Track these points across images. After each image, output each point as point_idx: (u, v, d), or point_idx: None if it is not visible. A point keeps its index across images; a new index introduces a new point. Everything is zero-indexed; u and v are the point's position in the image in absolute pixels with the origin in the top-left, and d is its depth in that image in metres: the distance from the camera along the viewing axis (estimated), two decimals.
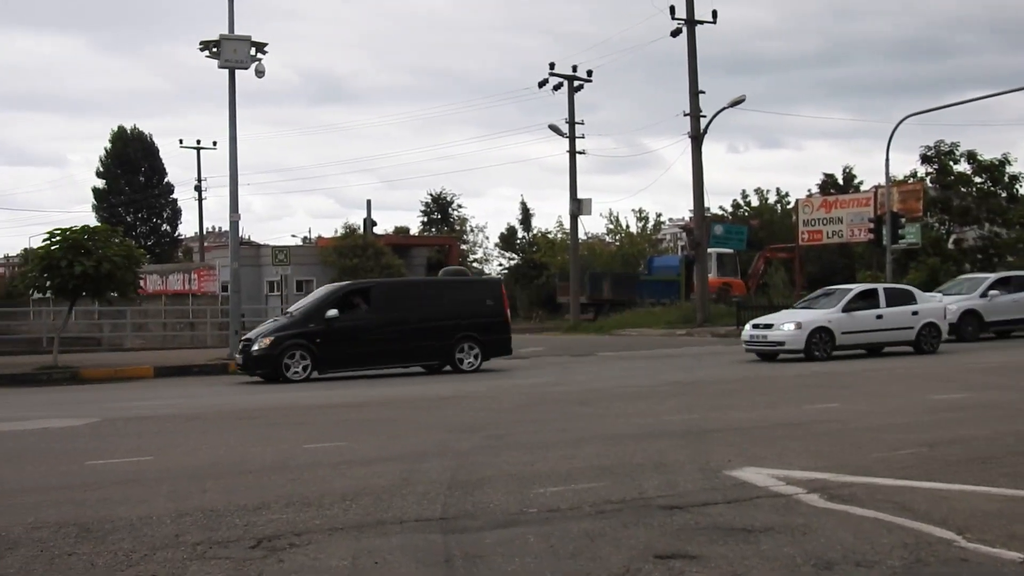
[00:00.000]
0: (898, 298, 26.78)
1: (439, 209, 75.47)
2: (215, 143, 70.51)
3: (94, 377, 25.64)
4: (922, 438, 12.00)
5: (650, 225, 69.18)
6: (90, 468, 11.36)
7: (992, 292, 31.45)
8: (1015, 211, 47.00)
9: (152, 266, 65.09)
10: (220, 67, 29.20)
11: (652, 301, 49.60)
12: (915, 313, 26.48)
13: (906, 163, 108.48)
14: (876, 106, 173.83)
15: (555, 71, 48.02)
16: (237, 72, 29.58)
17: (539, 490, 9.33)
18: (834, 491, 9.01)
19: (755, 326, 26.50)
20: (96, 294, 27.91)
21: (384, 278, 29.52)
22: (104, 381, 25.28)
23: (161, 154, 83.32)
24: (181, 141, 73.14)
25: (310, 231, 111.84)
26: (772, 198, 68.33)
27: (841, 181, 60.91)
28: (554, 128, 48.48)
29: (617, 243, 67.62)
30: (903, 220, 41.14)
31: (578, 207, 49.02)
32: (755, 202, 68.35)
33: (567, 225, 54.96)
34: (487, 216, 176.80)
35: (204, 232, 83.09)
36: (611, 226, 68.63)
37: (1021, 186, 48.31)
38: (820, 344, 25.19)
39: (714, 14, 40.63)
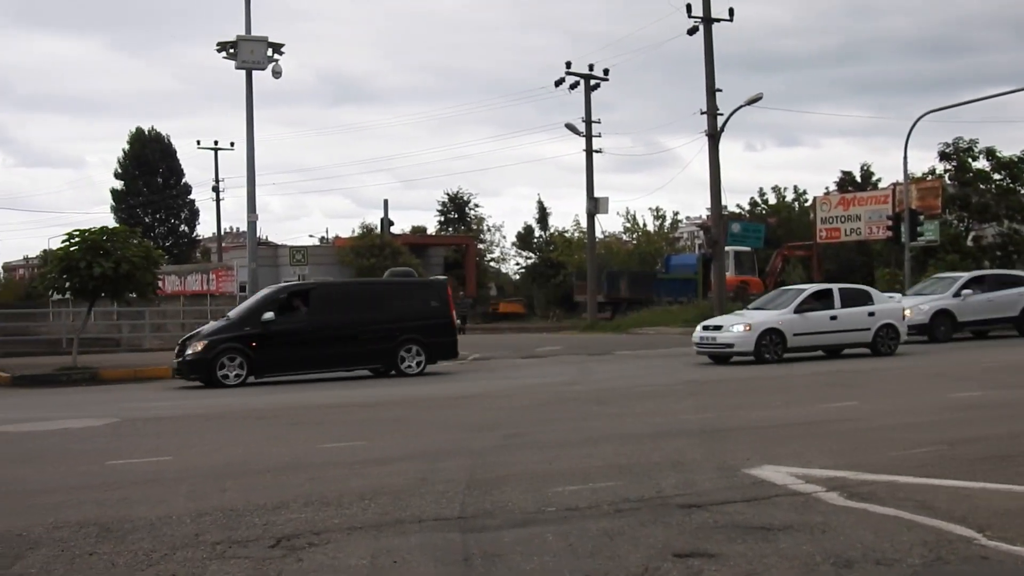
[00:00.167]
0: (854, 299, 26.09)
1: (456, 208, 75.48)
2: (232, 144, 70.68)
3: (113, 378, 25.73)
4: (940, 436, 11.95)
5: (667, 223, 69.00)
6: (110, 468, 11.41)
7: (965, 291, 30.55)
8: None
9: (170, 267, 65.31)
10: (237, 68, 29.32)
11: (669, 300, 49.48)
12: (872, 314, 25.65)
13: (924, 160, 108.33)
14: (894, 104, 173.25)
15: (571, 70, 47.97)
16: (254, 73, 29.72)
17: (557, 489, 9.33)
18: (853, 489, 8.99)
19: (705, 327, 25.75)
20: (115, 295, 28.00)
21: (325, 279, 28.51)
22: (123, 382, 25.36)
23: (179, 155, 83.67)
24: (199, 142, 73.31)
25: (327, 231, 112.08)
26: (790, 196, 68.10)
27: (859, 179, 60.67)
28: (571, 127, 48.43)
29: (634, 242, 67.46)
30: (921, 217, 40.95)
31: (595, 206, 48.95)
32: (772, 200, 68.11)
33: (584, 224, 54.90)
34: (504, 215, 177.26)
35: (222, 233, 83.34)
36: (628, 225, 68.48)
37: None
38: (770, 346, 24.40)
39: (731, 12, 40.51)
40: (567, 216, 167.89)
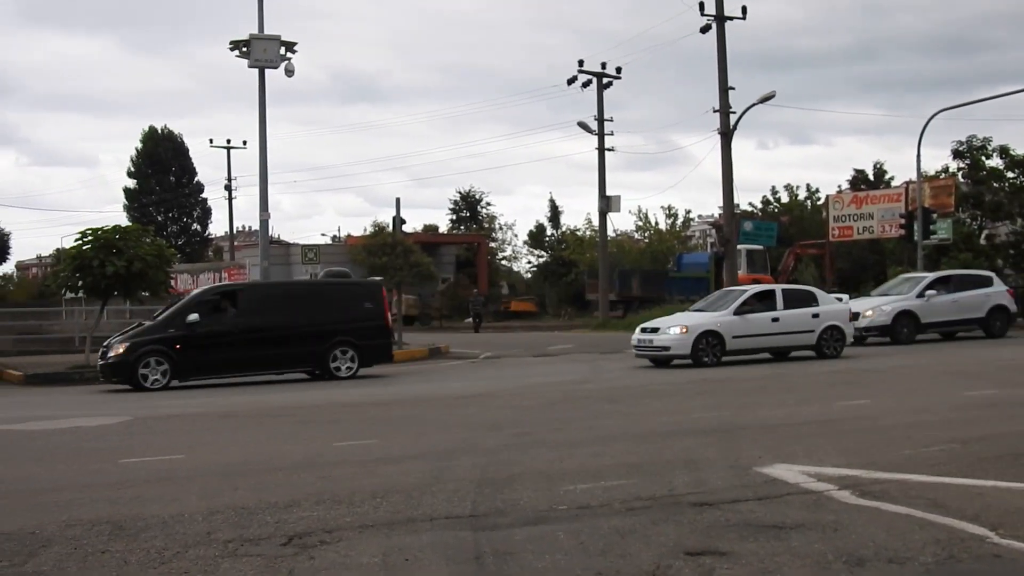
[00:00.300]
0: (798, 300, 25.46)
1: (468, 207, 75.48)
2: (245, 142, 70.83)
3: None
4: (952, 434, 11.92)
5: (679, 222, 68.85)
6: (122, 466, 11.44)
7: (929, 292, 30.13)
8: None
9: (183, 265, 65.51)
10: (250, 66, 29.38)
11: (681, 298, 49.31)
12: (816, 316, 25.01)
13: (938, 159, 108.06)
14: (907, 102, 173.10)
15: (584, 68, 47.93)
16: (267, 71, 29.77)
17: (568, 487, 9.33)
18: (865, 488, 8.97)
19: (643, 329, 25.02)
20: (127, 294, 28.07)
21: (257, 280, 27.80)
22: None
23: (191, 154, 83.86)
24: (211, 141, 73.52)
25: (339, 229, 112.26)
26: (802, 194, 67.92)
27: (872, 177, 60.49)
28: (583, 125, 48.39)
29: (646, 240, 67.35)
30: (934, 215, 40.84)
31: (607, 204, 48.91)
32: (785, 198, 67.96)
33: (596, 222, 54.83)
34: (516, 214, 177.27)
35: (234, 231, 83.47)
36: (640, 223, 68.37)
37: None
38: (708, 349, 23.77)
39: (744, 10, 40.43)
40: (579, 214, 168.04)
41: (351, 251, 58.19)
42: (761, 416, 14.25)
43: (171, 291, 33.16)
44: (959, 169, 48.31)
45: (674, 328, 24.22)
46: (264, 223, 31.07)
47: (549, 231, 74.22)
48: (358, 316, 24.38)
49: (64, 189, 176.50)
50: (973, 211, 47.68)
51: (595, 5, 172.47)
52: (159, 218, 79.87)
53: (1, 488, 10.29)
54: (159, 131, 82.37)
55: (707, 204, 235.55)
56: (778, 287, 26.57)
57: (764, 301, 25.08)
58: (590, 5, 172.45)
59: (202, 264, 72.48)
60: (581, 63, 47.88)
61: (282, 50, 29.57)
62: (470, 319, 53.22)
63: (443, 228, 75.53)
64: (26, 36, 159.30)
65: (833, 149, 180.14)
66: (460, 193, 75.93)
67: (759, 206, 67.58)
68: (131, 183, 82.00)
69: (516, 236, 77.06)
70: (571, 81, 48.41)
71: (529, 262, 76.03)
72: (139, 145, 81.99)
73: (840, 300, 26.55)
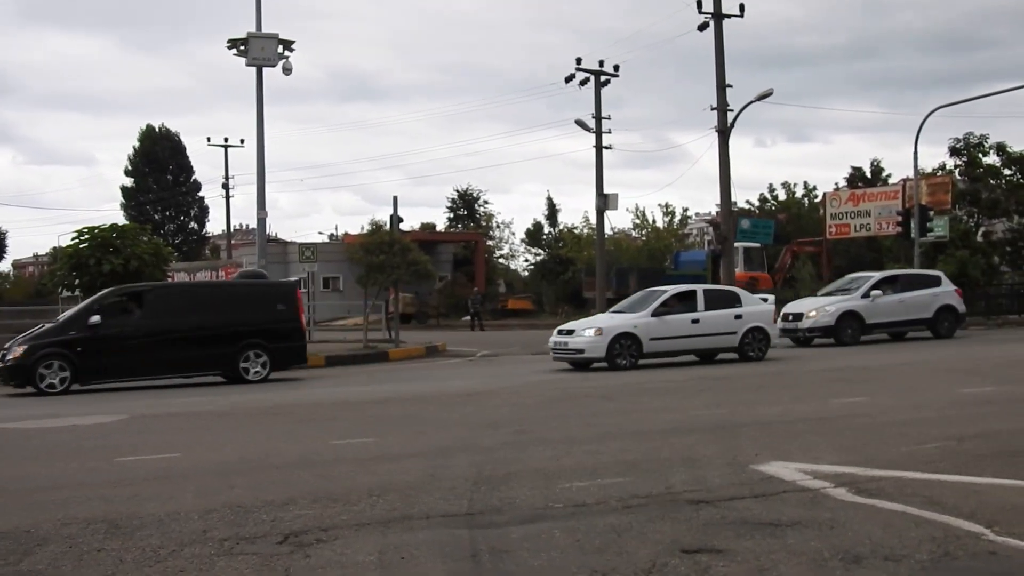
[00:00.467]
0: (720, 301, 24.92)
1: (465, 205, 75.52)
2: (242, 141, 70.78)
3: None
4: (949, 432, 11.93)
5: (676, 220, 68.99)
6: (119, 465, 11.43)
7: (875, 292, 29.69)
8: None
9: (180, 264, 65.52)
10: (248, 65, 29.38)
11: None
12: (738, 317, 24.43)
13: (935, 156, 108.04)
14: (905, 99, 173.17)
15: (582, 66, 47.89)
16: (265, 70, 29.78)
17: (565, 485, 9.33)
18: (862, 485, 8.97)
19: (560, 332, 24.53)
20: None
21: (160, 281, 27.52)
22: None
23: (189, 152, 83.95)
24: (209, 139, 73.42)
25: (337, 228, 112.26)
26: (799, 192, 67.98)
27: (869, 174, 60.50)
28: (581, 123, 48.35)
29: (643, 238, 67.43)
30: (931, 213, 40.89)
31: (604, 202, 48.87)
32: (782, 196, 68.01)
33: (593, 220, 54.88)
34: (513, 212, 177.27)
35: (231, 230, 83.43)
36: (637, 221, 68.48)
37: None
38: (624, 352, 23.23)
39: (741, 8, 40.39)
40: (576, 212, 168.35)
41: (348, 249, 58.17)
42: (759, 414, 14.25)
43: None
44: (956, 166, 48.39)
45: (588, 330, 23.75)
46: (261, 221, 31.07)
47: (547, 229, 74.29)
48: (271, 318, 23.74)
49: (62, 188, 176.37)
50: (970, 208, 47.76)
51: (594, 4, 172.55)
52: (156, 217, 79.94)
53: None
54: (157, 130, 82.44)
55: (704, 202, 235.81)
56: (699, 287, 26.01)
57: (685, 302, 24.53)
58: (589, 4, 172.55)
59: (199, 263, 72.50)
60: (579, 61, 47.85)
61: (280, 48, 29.56)
62: (467, 317, 53.22)
63: (441, 226, 75.59)
64: (25, 35, 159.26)
65: (831, 147, 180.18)
66: (458, 191, 76.03)
67: (756, 204, 67.64)
68: (128, 182, 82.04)
69: (513, 234, 77.35)
70: (569, 79, 48.37)
71: (526, 260, 76.13)
72: (136, 144, 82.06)
73: (765, 301, 25.98)
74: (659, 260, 60.17)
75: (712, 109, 40.77)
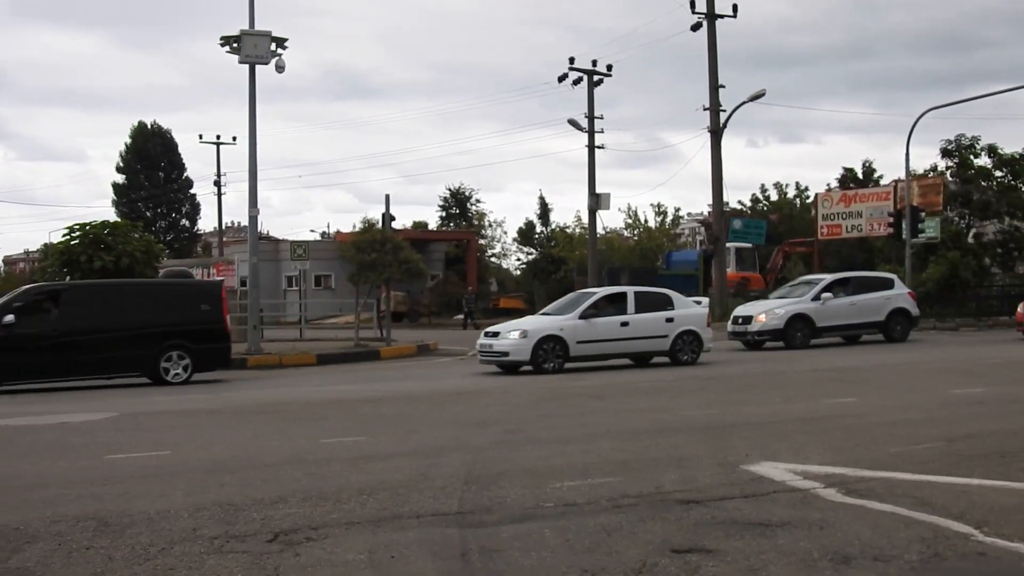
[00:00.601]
0: (651, 303, 24.22)
1: (457, 204, 75.48)
2: (235, 138, 70.83)
3: None
4: (939, 432, 11.95)
5: (668, 220, 68.98)
6: (109, 462, 11.41)
7: (825, 295, 29.08)
8: None
9: (171, 261, 65.35)
10: (240, 62, 29.30)
11: None
12: (670, 320, 23.88)
13: (926, 157, 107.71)
14: (898, 100, 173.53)
15: (575, 66, 47.97)
16: (257, 67, 29.69)
17: (555, 484, 9.33)
18: (851, 485, 8.99)
19: (487, 334, 24.06)
20: None
21: (80, 280, 26.57)
22: None
23: (181, 149, 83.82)
24: (201, 136, 73.80)
25: (329, 226, 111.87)
26: (791, 192, 68.16)
27: (861, 175, 60.61)
28: (573, 123, 48.42)
29: (635, 238, 67.45)
30: (923, 214, 40.96)
31: (596, 202, 48.96)
32: (774, 196, 68.17)
33: (585, 220, 54.93)
34: (506, 211, 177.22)
35: (223, 227, 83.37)
36: (629, 221, 68.47)
37: None
38: (550, 355, 22.72)
39: (735, 8, 40.52)
40: (568, 212, 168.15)
41: (340, 248, 58.11)
42: (749, 414, 14.27)
43: None
44: (947, 168, 48.48)
45: (513, 333, 23.23)
46: (253, 219, 30.97)
47: (539, 228, 74.23)
48: (194, 319, 23.14)
49: (53, 184, 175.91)
50: (961, 210, 47.85)
51: (588, 3, 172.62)
52: (148, 214, 79.86)
53: None
54: (149, 127, 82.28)
55: (696, 202, 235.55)
56: (630, 290, 25.15)
57: (615, 304, 24.02)
58: (583, 3, 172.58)
59: (191, 260, 72.33)
60: (572, 61, 47.95)
61: (273, 46, 29.50)
62: (460, 316, 53.19)
63: (433, 225, 75.53)
64: (18, 31, 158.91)
65: (823, 147, 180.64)
66: (450, 190, 75.97)
67: (748, 204, 67.81)
68: (120, 178, 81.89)
69: (506, 233, 77.11)
70: (562, 79, 48.45)
71: (518, 259, 76.12)
72: (128, 140, 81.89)
73: (699, 303, 25.44)
74: (651, 260, 60.18)
75: (705, 109, 40.91)
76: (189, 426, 14.82)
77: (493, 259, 76.00)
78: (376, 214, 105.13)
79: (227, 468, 10.75)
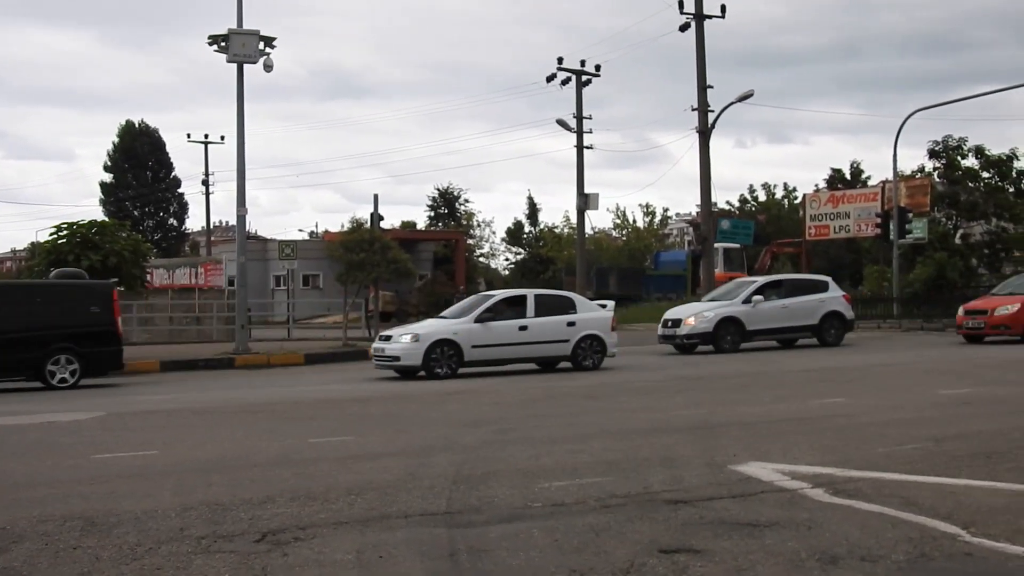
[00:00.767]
0: (553, 307, 23.53)
1: (446, 204, 75.48)
2: (223, 137, 70.74)
3: None
4: (927, 433, 11.98)
5: (657, 220, 69.24)
6: (96, 462, 11.38)
7: (756, 298, 28.40)
8: (1022, 206, 46.89)
9: (159, 260, 65.30)
10: (229, 61, 29.24)
11: (659, 296, 49.58)
12: (571, 324, 23.13)
13: (914, 158, 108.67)
14: (885, 101, 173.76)
15: (563, 66, 48.01)
16: (246, 66, 29.63)
17: (544, 484, 9.33)
18: (839, 486, 9.00)
19: (381, 338, 23.46)
20: None
21: None
22: (110, 375, 25.31)
23: (169, 148, 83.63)
24: (189, 135, 73.71)
25: (317, 225, 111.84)
26: (779, 193, 68.40)
27: (848, 176, 60.82)
28: (562, 123, 48.46)
29: (624, 238, 67.66)
30: (910, 215, 41.10)
31: (585, 202, 49.00)
32: (762, 197, 68.38)
33: (574, 220, 55.02)
34: (494, 211, 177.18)
35: (211, 226, 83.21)
36: (618, 221, 68.73)
37: None
38: (442, 359, 21.96)
39: (723, 8, 40.56)
40: (557, 212, 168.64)
41: (328, 247, 58.07)
42: (739, 413, 14.29)
43: (147, 286, 33.09)
44: (935, 169, 48.64)
45: (405, 336, 22.58)
46: (241, 218, 30.91)
47: (527, 228, 74.39)
48: (83, 321, 22.40)
49: (41, 183, 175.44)
50: (948, 211, 48.02)
51: (577, 2, 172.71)
52: (136, 213, 79.64)
53: None
54: (137, 126, 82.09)
55: (685, 202, 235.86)
56: (530, 293, 24.23)
57: (515, 308, 23.27)
58: (571, 2, 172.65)
59: (178, 259, 72.21)
60: (560, 61, 47.99)
61: (261, 45, 29.45)
62: None
63: (421, 225, 75.50)
64: (4, 30, 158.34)
65: (811, 148, 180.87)
66: (438, 190, 75.94)
67: (736, 204, 68.01)
68: (108, 177, 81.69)
69: (494, 233, 77.24)
70: (550, 79, 48.49)
71: (507, 259, 76.23)
72: (116, 140, 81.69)
73: (604, 307, 24.59)
74: (639, 260, 60.38)
75: (693, 110, 40.94)
76: (177, 425, 14.78)
77: (481, 259, 76.05)
78: (364, 214, 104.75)
79: (215, 468, 10.73)
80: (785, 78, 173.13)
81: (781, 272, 51.27)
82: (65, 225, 26.79)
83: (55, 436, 13.78)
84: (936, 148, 47.61)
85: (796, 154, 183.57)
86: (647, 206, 69.61)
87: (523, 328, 22.91)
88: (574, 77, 48.31)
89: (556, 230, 67.92)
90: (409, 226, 74.23)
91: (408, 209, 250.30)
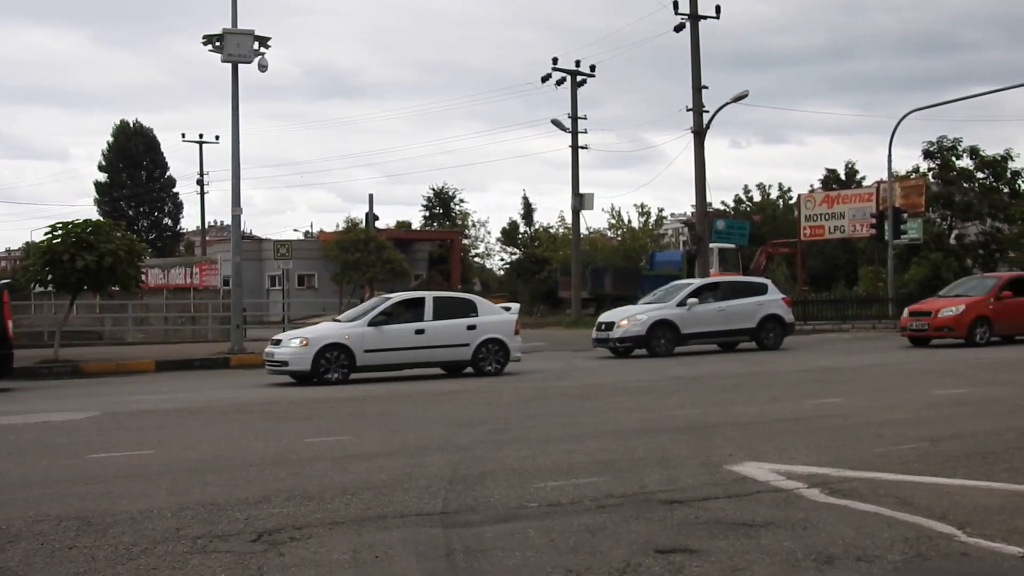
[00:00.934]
0: (452, 310, 22.86)
1: (441, 204, 75.53)
2: (217, 137, 70.60)
3: (95, 371, 25.66)
4: (923, 433, 12.00)
5: (652, 220, 69.23)
6: (91, 462, 11.36)
7: (691, 300, 27.93)
8: (1017, 206, 46.99)
9: (154, 260, 65.23)
10: (223, 61, 29.23)
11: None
12: (472, 328, 22.53)
13: (909, 159, 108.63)
14: (880, 101, 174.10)
15: (558, 66, 48.00)
16: (240, 66, 29.61)
17: (540, 484, 9.33)
18: (835, 486, 9.01)
19: (272, 341, 22.72)
20: (98, 288, 27.94)
21: None
22: (105, 375, 25.30)
23: (163, 148, 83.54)
24: (183, 135, 73.37)
25: (312, 225, 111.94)
26: (774, 193, 68.43)
27: (843, 176, 60.93)
28: (557, 123, 48.45)
29: (619, 238, 67.64)
30: (905, 215, 41.15)
31: (580, 202, 48.98)
32: (757, 197, 68.44)
33: (569, 220, 54.95)
34: (489, 211, 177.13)
35: (206, 226, 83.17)
36: (613, 221, 68.72)
37: (1023, 182, 48.27)
38: (333, 365, 21.39)
39: (718, 9, 40.54)
40: (552, 212, 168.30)
41: (324, 247, 58.13)
42: (734, 414, 14.30)
43: (142, 286, 33.04)
44: (930, 169, 48.76)
45: (294, 341, 21.82)
46: (236, 218, 30.88)
47: (522, 228, 74.39)
48: None
49: (35, 183, 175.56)
50: (943, 211, 48.13)
51: (572, 2, 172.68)
52: (130, 212, 79.52)
53: None
54: (131, 125, 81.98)
55: (680, 202, 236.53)
56: (429, 295, 23.59)
57: (412, 311, 22.64)
58: (566, 3, 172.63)
59: (173, 259, 72.18)
60: (555, 61, 47.97)
61: (256, 45, 29.43)
62: None
63: (416, 225, 75.55)
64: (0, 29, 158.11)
65: (805, 148, 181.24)
66: (434, 190, 76.04)
67: (732, 205, 68.07)
68: (102, 177, 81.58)
69: (489, 233, 77.28)
70: (545, 79, 48.47)
71: (502, 259, 76.24)
72: (111, 139, 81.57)
73: (508, 309, 23.89)
74: (634, 260, 60.37)
75: (688, 110, 40.93)
76: (172, 425, 14.75)
77: (477, 259, 76.12)
78: (359, 214, 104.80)
79: (210, 467, 10.71)
80: (780, 79, 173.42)
81: (776, 272, 51.39)
82: (60, 225, 26.66)
83: (50, 436, 13.76)
84: (931, 149, 47.71)
85: (791, 154, 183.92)
86: (642, 206, 69.78)
87: (420, 332, 22.27)
88: (569, 77, 48.30)
89: (551, 230, 67.86)
90: (404, 226, 74.26)
91: (403, 209, 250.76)
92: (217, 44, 29.09)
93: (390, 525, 7.97)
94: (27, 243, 66.39)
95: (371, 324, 22.00)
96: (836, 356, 25.80)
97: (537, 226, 72.57)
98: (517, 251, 72.26)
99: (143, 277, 32.11)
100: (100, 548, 7.45)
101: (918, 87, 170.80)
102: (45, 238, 26.95)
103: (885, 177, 42.66)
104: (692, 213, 51.24)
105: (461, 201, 76.43)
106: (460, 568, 6.86)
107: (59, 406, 17.56)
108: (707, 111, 40.53)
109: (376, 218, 61.18)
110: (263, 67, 29.61)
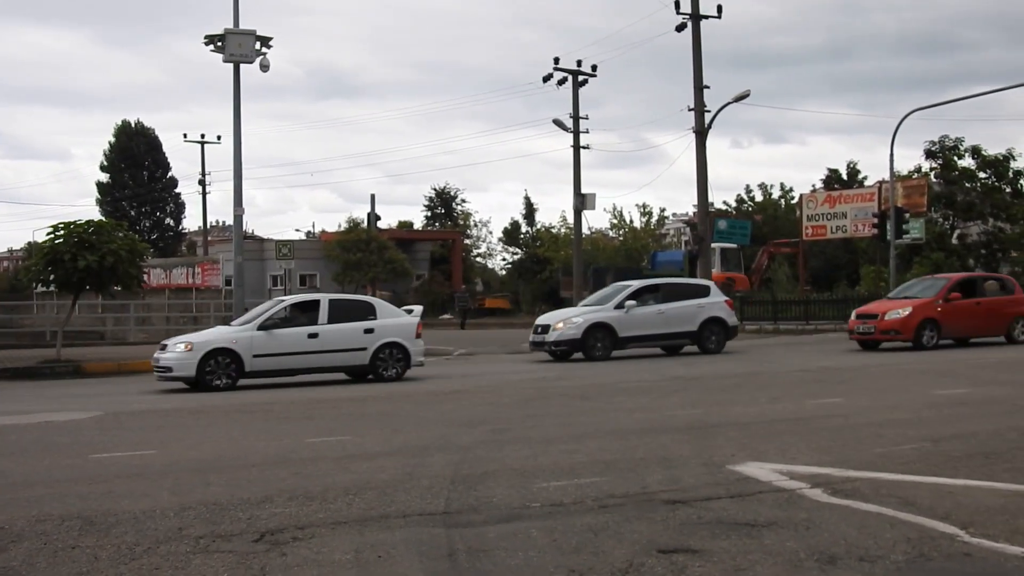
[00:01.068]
0: (349, 313, 22.03)
1: (443, 204, 75.55)
2: (219, 137, 70.60)
3: (97, 371, 25.69)
4: (925, 433, 11.99)
5: (653, 220, 69.11)
6: (94, 462, 11.37)
7: (630, 303, 26.89)
8: (1019, 206, 46.91)
9: (156, 260, 65.27)
10: (225, 61, 29.26)
11: None
12: (370, 331, 21.74)
13: (910, 158, 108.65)
14: (881, 101, 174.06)
15: (559, 66, 47.95)
16: (242, 66, 29.65)
17: (542, 484, 9.33)
18: (837, 486, 9.01)
19: (160, 347, 21.76)
20: (100, 288, 27.95)
21: None
22: (107, 375, 25.33)
23: (165, 148, 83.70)
24: (185, 135, 73.52)
25: (314, 225, 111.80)
26: (776, 193, 68.36)
27: (845, 176, 60.84)
28: (558, 123, 48.40)
29: (620, 238, 67.54)
30: (907, 215, 41.05)
31: (582, 202, 48.93)
32: (759, 197, 68.38)
33: (570, 220, 54.92)
34: (491, 211, 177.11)
35: (207, 226, 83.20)
36: (615, 221, 68.59)
37: None
38: (218, 370, 20.57)
39: (719, 9, 40.51)
40: (554, 212, 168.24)
41: (325, 247, 58.14)
42: (734, 414, 14.29)
43: (143, 286, 33.05)
44: (931, 169, 48.69)
45: (180, 345, 21.03)
46: (238, 218, 30.91)
47: (524, 228, 74.35)
48: None
49: (36, 183, 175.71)
50: (945, 211, 48.05)
51: (572, 3, 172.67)
52: (132, 212, 79.62)
53: None
54: (133, 125, 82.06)
55: (681, 202, 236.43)
56: (324, 297, 22.52)
57: (307, 313, 21.88)
58: (567, 3, 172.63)
59: (175, 259, 72.22)
60: (557, 61, 47.90)
61: (257, 45, 29.46)
62: (447, 315, 53.19)
63: (418, 225, 75.59)
64: (1, 29, 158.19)
65: (807, 148, 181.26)
66: (435, 190, 76.10)
67: (733, 205, 68.00)
68: (104, 177, 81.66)
69: (491, 233, 77.27)
70: (547, 79, 48.41)
71: (504, 259, 76.22)
72: (112, 139, 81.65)
73: (410, 312, 23.13)
74: (636, 260, 60.30)
75: (689, 110, 40.89)
76: (174, 425, 14.77)
77: (478, 259, 76.12)
78: (361, 213, 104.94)
79: (212, 467, 10.72)
80: (779, 79, 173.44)
81: (777, 272, 51.34)
82: (62, 225, 26.69)
83: (52, 436, 13.77)
84: (933, 148, 47.64)
85: (792, 154, 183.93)
86: (644, 206, 69.59)
87: (313, 336, 21.45)
88: (570, 77, 48.26)
89: (553, 230, 67.79)
90: (406, 226, 74.30)
91: (405, 209, 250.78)
92: (219, 44, 29.14)
93: (392, 525, 7.97)
94: (29, 243, 66.47)
95: (261, 328, 21.23)
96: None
97: (539, 226, 72.55)
98: (519, 251, 72.25)
99: (145, 277, 32.12)
100: (103, 548, 7.46)
101: (918, 87, 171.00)
102: (47, 238, 26.99)
103: (887, 177, 42.58)
104: (694, 213, 51.26)
105: (463, 201, 76.54)
106: (463, 568, 6.86)
107: (61, 406, 17.58)
108: (709, 111, 40.51)
109: (378, 218, 61.20)
110: (265, 67, 29.65)
